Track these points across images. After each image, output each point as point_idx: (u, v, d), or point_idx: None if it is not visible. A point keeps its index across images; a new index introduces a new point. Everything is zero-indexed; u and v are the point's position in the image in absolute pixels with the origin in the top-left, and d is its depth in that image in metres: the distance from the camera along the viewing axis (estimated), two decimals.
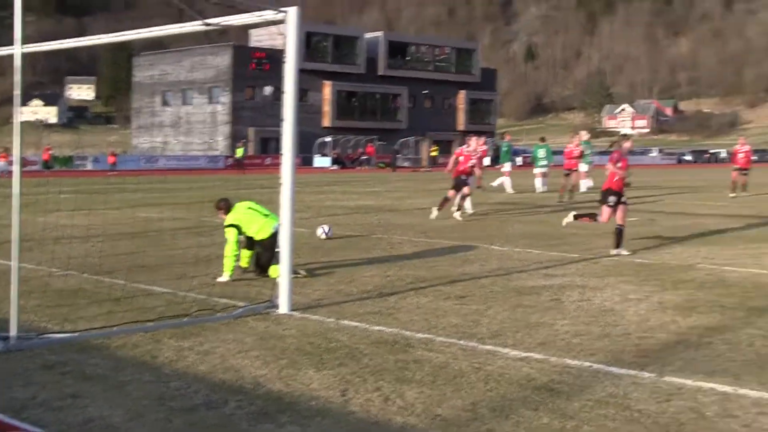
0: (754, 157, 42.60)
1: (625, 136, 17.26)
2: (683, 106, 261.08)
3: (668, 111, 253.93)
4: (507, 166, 36.43)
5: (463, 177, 23.13)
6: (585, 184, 34.53)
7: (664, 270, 14.01)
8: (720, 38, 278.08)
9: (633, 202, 28.01)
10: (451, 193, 23.06)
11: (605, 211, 16.24)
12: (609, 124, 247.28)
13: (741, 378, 7.53)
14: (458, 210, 23.07)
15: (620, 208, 16.11)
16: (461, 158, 23.36)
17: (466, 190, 23.25)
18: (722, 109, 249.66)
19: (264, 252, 12.56)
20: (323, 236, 18.14)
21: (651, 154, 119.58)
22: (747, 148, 35.69)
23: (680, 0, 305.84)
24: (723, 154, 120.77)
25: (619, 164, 16.10)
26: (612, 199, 16.11)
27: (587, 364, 8.01)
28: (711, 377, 7.54)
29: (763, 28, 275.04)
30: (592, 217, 16.83)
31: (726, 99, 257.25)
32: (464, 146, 23.99)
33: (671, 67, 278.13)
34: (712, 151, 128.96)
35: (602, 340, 8.97)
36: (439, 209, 22.87)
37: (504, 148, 36.81)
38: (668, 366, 7.93)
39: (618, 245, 16.04)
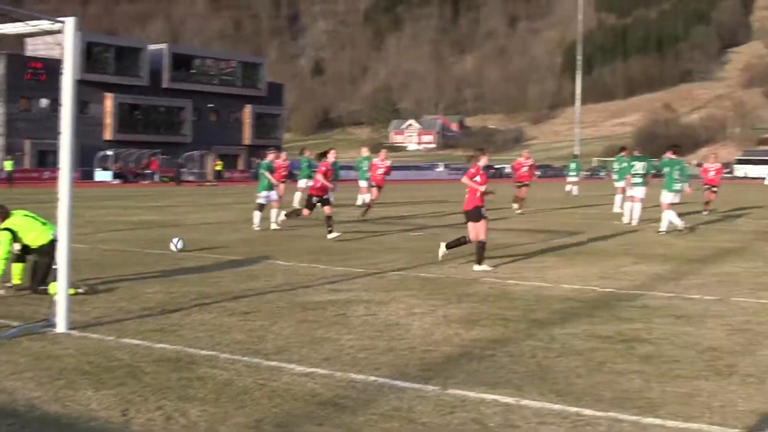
0: (537, 173, 43.72)
1: (481, 150, 17.37)
2: (469, 122, 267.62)
3: (454, 126, 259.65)
4: (303, 183, 36.16)
5: (324, 196, 22.11)
6: (362, 198, 34.63)
7: (448, 284, 14.20)
8: (504, 56, 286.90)
9: (419, 219, 28.41)
10: (305, 212, 22.42)
11: (481, 227, 16.34)
12: (396, 139, 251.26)
13: (523, 389, 7.66)
14: (330, 230, 21.64)
15: (481, 222, 16.36)
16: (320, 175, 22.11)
17: (327, 209, 21.90)
18: (507, 125, 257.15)
19: (42, 258, 12.07)
20: (175, 249, 18.31)
21: (437, 169, 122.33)
22: (531, 161, 36.52)
23: (466, 18, 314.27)
24: (507, 169, 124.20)
25: (478, 178, 16.39)
26: (484, 212, 16.43)
27: (372, 378, 8.01)
28: (494, 389, 7.65)
29: (546, 46, 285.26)
30: (462, 240, 16.73)
31: (511, 115, 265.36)
32: (325, 160, 22.58)
33: (457, 83, 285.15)
34: (497, 166, 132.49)
35: (387, 354, 9.00)
36: (288, 216, 22.70)
37: (304, 164, 36.60)
38: (452, 378, 8.01)
39: (481, 261, 16.22)
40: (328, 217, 21.71)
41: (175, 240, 18.71)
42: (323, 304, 12.04)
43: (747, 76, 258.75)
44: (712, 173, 34.16)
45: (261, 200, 23.91)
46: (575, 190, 49.39)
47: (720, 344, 9.69)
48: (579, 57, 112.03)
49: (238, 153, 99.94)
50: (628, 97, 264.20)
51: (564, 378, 8.10)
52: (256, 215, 24.01)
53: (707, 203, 33.73)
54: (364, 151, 36.28)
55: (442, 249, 16.84)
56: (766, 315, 11.60)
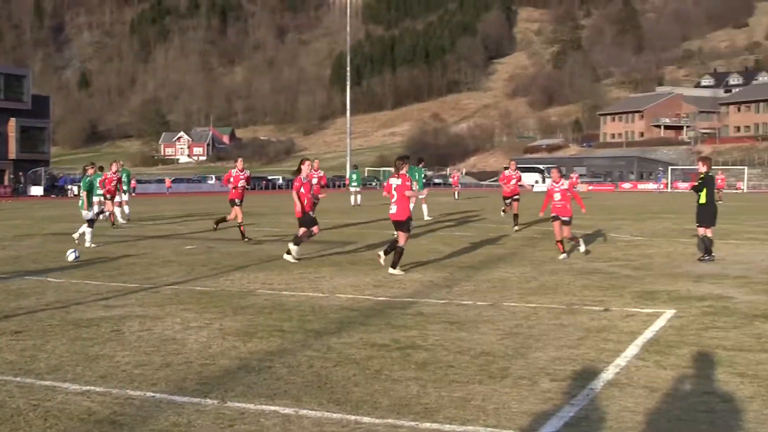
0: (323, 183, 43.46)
1: (403, 159, 17.92)
2: (240, 133, 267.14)
3: (225, 138, 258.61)
4: (126, 196, 35.57)
5: (311, 214, 19.97)
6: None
7: (224, 297, 14.13)
8: (274, 67, 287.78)
9: (193, 232, 28.17)
10: (302, 231, 19.86)
11: (404, 236, 17.46)
12: (167, 152, 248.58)
13: (301, 399, 7.72)
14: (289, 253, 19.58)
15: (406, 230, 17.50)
16: (303, 189, 19.66)
17: (315, 229, 19.99)
18: (278, 137, 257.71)
19: None
20: (73, 259, 19.32)
21: (209, 182, 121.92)
22: (321, 173, 33.67)
23: (234, 29, 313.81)
24: (280, 181, 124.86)
25: (409, 183, 17.53)
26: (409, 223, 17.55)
27: (150, 394, 7.92)
28: (273, 400, 7.68)
29: (315, 57, 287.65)
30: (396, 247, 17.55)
31: (281, 126, 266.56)
32: (307, 172, 19.87)
33: (227, 95, 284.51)
34: (270, 177, 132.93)
35: (164, 370, 8.91)
36: (296, 245, 19.59)
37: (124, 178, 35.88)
38: (230, 392, 8.00)
39: (395, 265, 17.34)
40: (308, 235, 20.14)
41: (71, 252, 19.67)
42: (97, 320, 11.81)
43: (512, 86, 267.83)
44: (513, 182, 30.47)
45: (90, 216, 23.36)
46: (358, 199, 50.24)
47: (492, 348, 9.96)
48: (348, 68, 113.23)
49: (3, 168, 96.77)
50: (397, 108, 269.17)
51: (342, 387, 8.19)
52: (89, 233, 23.37)
53: (516, 216, 29.99)
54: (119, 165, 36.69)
55: (382, 256, 17.73)
56: (535, 318, 11.98)
